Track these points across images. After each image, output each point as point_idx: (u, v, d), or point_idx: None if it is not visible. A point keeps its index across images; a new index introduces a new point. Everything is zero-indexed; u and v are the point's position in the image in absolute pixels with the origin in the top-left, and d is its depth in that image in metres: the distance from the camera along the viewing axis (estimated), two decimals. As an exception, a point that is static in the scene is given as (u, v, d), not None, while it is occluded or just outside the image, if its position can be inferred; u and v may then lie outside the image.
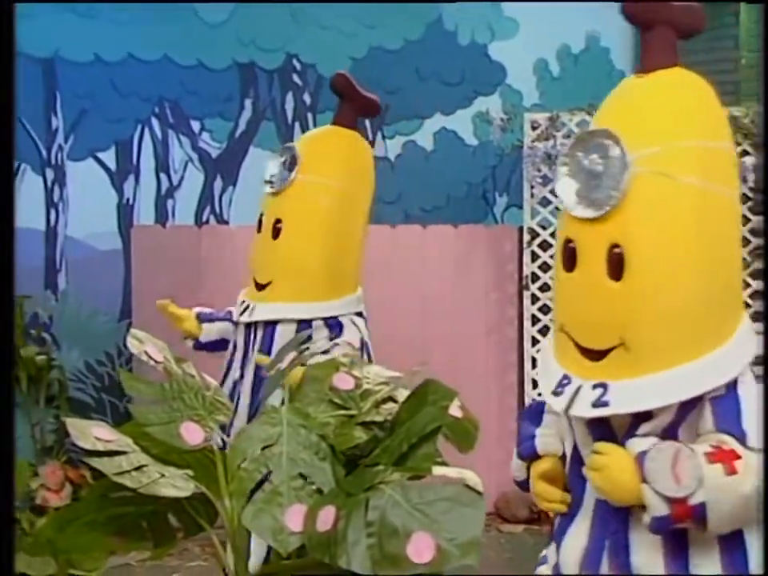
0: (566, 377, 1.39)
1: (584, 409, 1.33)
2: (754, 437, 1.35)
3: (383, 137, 4.41)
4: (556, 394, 1.38)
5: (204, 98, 4.10)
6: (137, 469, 1.10)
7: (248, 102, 4.20)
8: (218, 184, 4.15)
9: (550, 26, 4.47)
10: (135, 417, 1.14)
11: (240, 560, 1.12)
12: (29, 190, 3.80)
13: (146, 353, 1.27)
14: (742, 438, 1.34)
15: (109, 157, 3.96)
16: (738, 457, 1.30)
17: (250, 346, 2.31)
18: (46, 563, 2.99)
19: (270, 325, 2.30)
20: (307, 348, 1.49)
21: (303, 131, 4.30)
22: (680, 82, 1.42)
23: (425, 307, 3.89)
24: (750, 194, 3.31)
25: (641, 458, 1.30)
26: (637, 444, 1.33)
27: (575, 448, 1.42)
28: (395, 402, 1.12)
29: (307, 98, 4.29)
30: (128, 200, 4.01)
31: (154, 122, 4.03)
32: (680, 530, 1.34)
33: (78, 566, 3.10)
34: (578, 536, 1.37)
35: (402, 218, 4.15)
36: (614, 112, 1.42)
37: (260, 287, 2.34)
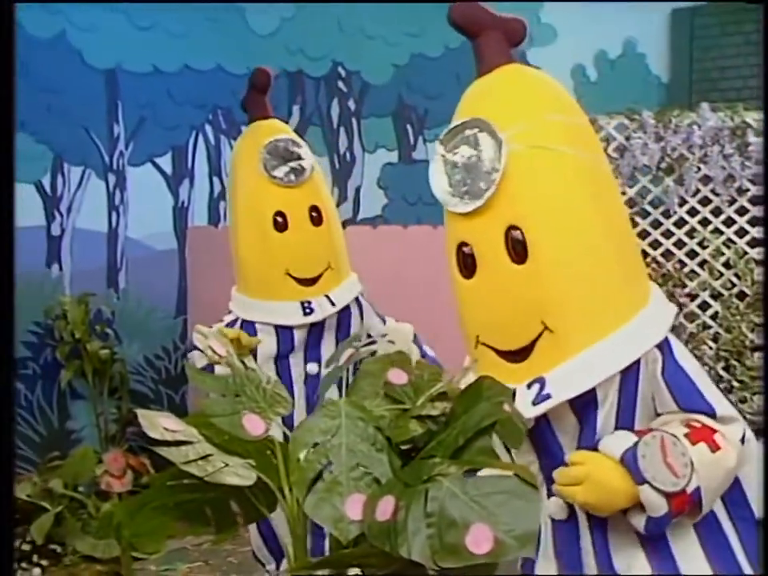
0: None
1: (527, 410, 1.19)
2: (721, 406, 1.26)
3: (424, 140, 4.40)
4: None
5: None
6: (203, 458, 1.11)
7: (296, 108, 4.22)
8: (267, 187, 4.17)
9: (587, 33, 4.42)
10: (202, 408, 1.14)
11: (299, 547, 1.12)
12: (92, 194, 3.87)
13: (210, 347, 1.28)
14: (711, 413, 1.25)
15: (165, 162, 4.02)
16: (715, 431, 1.22)
17: (319, 341, 2.16)
18: (109, 546, 3.06)
19: (344, 311, 2.17)
20: (362, 344, 1.45)
21: (348, 136, 4.32)
22: (525, 71, 1.36)
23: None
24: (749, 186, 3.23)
25: (628, 457, 1.17)
26: (613, 443, 1.21)
27: None
28: (448, 397, 1.11)
29: (352, 104, 4.30)
30: (183, 202, 4.06)
31: (208, 128, 4.07)
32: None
33: (141, 549, 3.15)
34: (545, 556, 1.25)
35: (443, 219, 4.13)
36: (470, 107, 1.33)
37: (309, 282, 2.16)
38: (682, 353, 1.30)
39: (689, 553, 1.24)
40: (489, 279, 1.27)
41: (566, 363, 1.21)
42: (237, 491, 1.16)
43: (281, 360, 2.16)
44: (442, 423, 1.07)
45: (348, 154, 4.31)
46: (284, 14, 4.16)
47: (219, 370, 1.42)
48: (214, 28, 4.03)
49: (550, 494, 1.25)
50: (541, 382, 1.21)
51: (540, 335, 1.23)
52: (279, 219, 2.14)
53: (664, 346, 1.27)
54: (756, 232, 3.27)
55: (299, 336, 2.16)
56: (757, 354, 3.31)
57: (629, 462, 1.17)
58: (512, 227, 1.24)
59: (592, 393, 1.22)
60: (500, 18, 1.35)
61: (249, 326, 2.16)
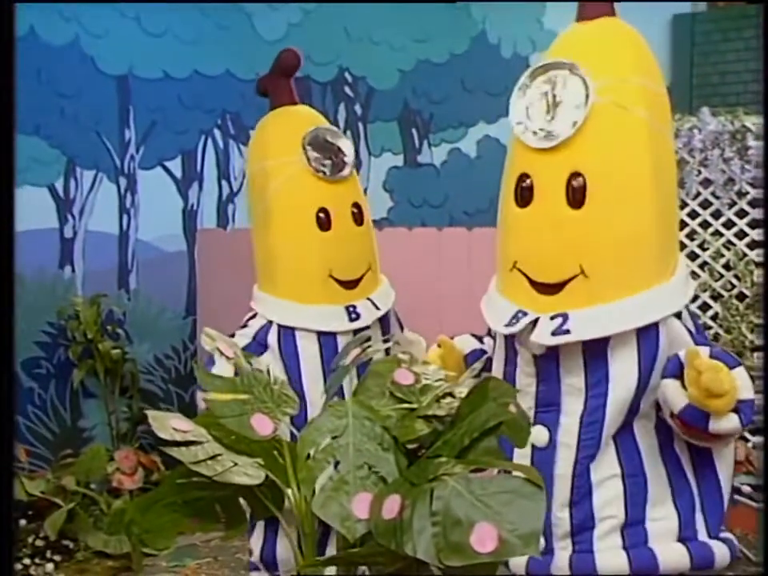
0: (520, 311, 1.31)
1: (544, 337, 1.26)
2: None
3: (429, 144, 4.39)
4: (510, 325, 1.30)
5: (263, 110, 4.12)
6: (212, 458, 1.11)
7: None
8: (275, 190, 4.17)
9: (589, 38, 4.41)
10: (211, 409, 1.14)
11: (308, 544, 1.12)
12: (104, 197, 3.87)
13: (217, 349, 1.28)
14: (736, 364, 1.28)
15: (175, 165, 4.02)
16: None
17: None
18: (120, 542, 3.06)
19: (384, 315, 2.00)
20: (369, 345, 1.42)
21: (354, 140, 4.32)
22: (622, 28, 1.41)
23: (470, 305, 3.86)
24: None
25: (716, 350, 1.26)
26: (693, 348, 1.26)
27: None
28: (454, 397, 1.11)
29: (358, 109, 4.30)
30: (192, 205, 4.06)
31: (217, 132, 4.07)
32: (637, 460, 1.29)
33: (151, 545, 3.15)
34: None
35: (448, 222, 4.13)
36: (565, 49, 1.37)
37: (351, 284, 1.96)
38: (690, 324, 1.35)
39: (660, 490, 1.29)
40: (542, 214, 1.31)
41: (592, 308, 1.26)
42: (246, 489, 1.16)
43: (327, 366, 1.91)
44: (448, 423, 1.06)
45: (354, 158, 4.31)
46: (291, 20, 4.16)
47: (221, 366, 1.37)
48: (222, 34, 4.03)
49: (536, 422, 1.30)
50: (564, 317, 1.26)
51: (574, 277, 1.28)
52: (322, 216, 1.94)
53: (682, 318, 1.32)
54: (756, 234, 3.26)
55: (344, 342, 1.89)
56: (756, 354, 3.29)
57: (718, 353, 1.24)
58: (575, 173, 1.28)
59: (606, 342, 1.26)
60: None
61: (287, 332, 1.94)
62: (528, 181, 1.32)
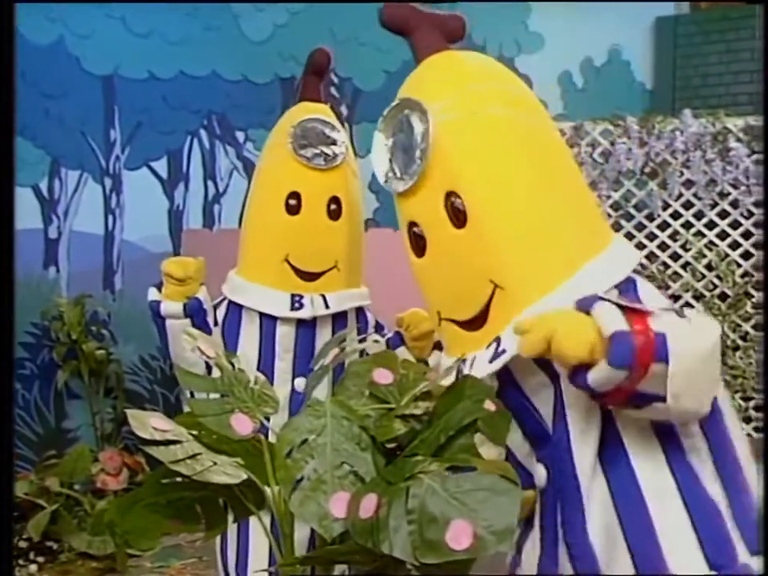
0: (462, 360, 1.21)
1: (483, 368, 1.15)
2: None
3: (415, 146, 4.41)
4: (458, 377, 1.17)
5: (248, 111, 4.13)
6: (191, 457, 1.10)
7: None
8: (261, 191, 4.17)
9: (573, 40, 4.44)
10: (192, 408, 1.14)
11: (287, 543, 1.12)
12: (89, 197, 3.86)
13: (198, 348, 1.27)
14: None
15: (161, 166, 4.01)
16: (684, 316, 1.08)
17: (314, 342, 1.90)
18: (104, 543, 3.05)
19: (340, 317, 1.93)
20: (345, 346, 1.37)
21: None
22: (454, 53, 1.32)
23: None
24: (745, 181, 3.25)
25: (581, 300, 1.08)
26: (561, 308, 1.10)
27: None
28: (432, 396, 1.11)
29: (344, 110, 4.30)
30: (178, 206, 4.05)
31: (203, 133, 4.07)
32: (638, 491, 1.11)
33: (135, 546, 3.15)
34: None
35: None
36: (403, 92, 1.30)
37: (308, 276, 1.90)
38: (647, 291, 1.22)
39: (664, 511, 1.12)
40: (437, 251, 1.25)
41: (518, 317, 1.14)
42: (226, 489, 1.16)
43: (264, 360, 1.91)
44: (425, 422, 1.07)
45: (340, 159, 4.31)
46: (277, 21, 4.16)
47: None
48: (208, 35, 4.03)
49: (537, 461, 1.19)
50: (497, 340, 1.18)
51: (492, 296, 1.20)
52: (292, 201, 1.88)
53: (627, 293, 1.19)
54: (737, 235, 3.29)
55: (282, 332, 1.90)
56: (738, 354, 3.32)
57: (582, 302, 1.07)
58: (450, 194, 1.22)
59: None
60: (434, 16, 1.32)
61: (234, 309, 1.94)
62: (417, 228, 1.26)
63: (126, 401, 3.70)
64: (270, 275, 1.91)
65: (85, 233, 3.84)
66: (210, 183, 4.10)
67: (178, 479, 1.13)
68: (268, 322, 1.91)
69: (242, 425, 1.13)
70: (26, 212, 3.65)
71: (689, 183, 3.32)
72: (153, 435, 1.11)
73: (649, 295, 1.21)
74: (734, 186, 3.26)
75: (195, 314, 1.87)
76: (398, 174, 1.26)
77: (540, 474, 1.19)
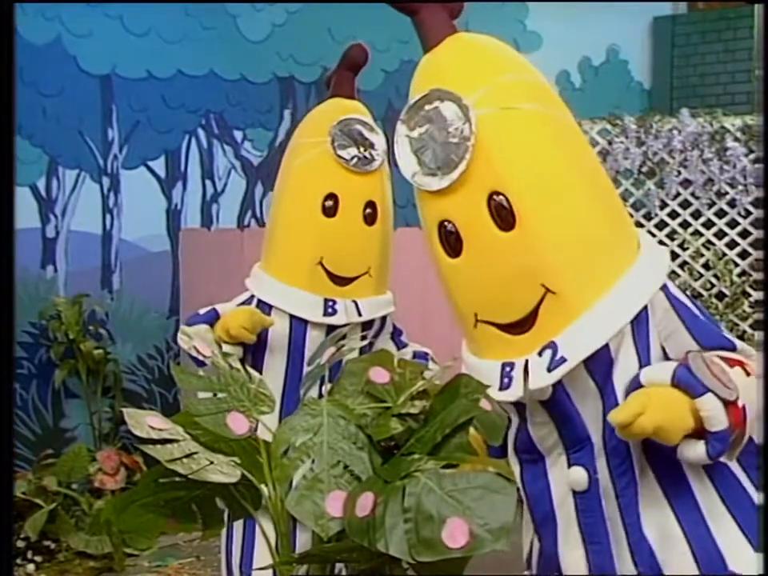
0: (506, 364, 1.16)
1: (543, 378, 1.12)
2: (739, 343, 1.18)
3: (413, 145, 4.40)
4: (505, 388, 1.14)
5: (246, 110, 4.13)
6: (187, 456, 1.10)
7: (287, 113, 4.22)
8: (258, 190, 4.17)
9: (571, 40, 4.44)
10: (187, 407, 1.14)
11: (284, 542, 1.12)
12: (87, 196, 3.86)
13: (194, 347, 1.27)
14: (732, 347, 1.17)
15: (159, 165, 4.01)
16: (743, 362, 1.12)
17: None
18: (102, 542, 3.05)
19: (367, 323, 1.87)
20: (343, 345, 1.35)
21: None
22: (472, 38, 1.27)
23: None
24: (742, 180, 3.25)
25: (681, 373, 1.07)
26: (657, 370, 1.12)
27: (529, 448, 1.18)
28: (429, 395, 1.11)
29: (342, 110, 4.31)
30: (176, 205, 4.05)
31: (201, 132, 4.07)
32: (688, 491, 1.14)
33: (133, 545, 3.15)
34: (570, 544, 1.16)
35: (431, 222, 4.14)
36: (425, 82, 1.23)
37: (341, 281, 1.84)
38: (679, 293, 1.23)
39: (714, 510, 1.16)
40: (478, 253, 1.18)
41: (575, 323, 1.13)
42: (222, 489, 1.16)
43: (293, 364, 1.85)
44: (421, 421, 1.07)
45: (338, 158, 4.31)
46: (275, 21, 4.16)
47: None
48: (206, 34, 4.02)
49: (570, 464, 1.17)
50: (553, 347, 1.13)
51: (542, 300, 1.14)
52: (329, 203, 1.83)
53: (665, 290, 1.20)
54: (734, 234, 3.29)
55: (312, 336, 1.83)
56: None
57: (683, 377, 1.07)
58: (494, 194, 1.16)
59: (606, 351, 1.15)
60: None
61: (264, 307, 1.87)
62: (450, 225, 1.19)
63: (124, 400, 3.70)
64: (303, 277, 1.85)
65: (82, 232, 3.84)
66: (207, 182, 4.10)
67: (175, 478, 1.13)
68: (298, 325, 1.84)
69: (239, 424, 1.13)
70: (24, 211, 3.65)
71: (686, 182, 3.32)
72: (149, 434, 1.11)
73: (683, 296, 1.23)
74: (732, 186, 3.26)
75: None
76: (431, 170, 1.20)
77: (579, 477, 1.17)
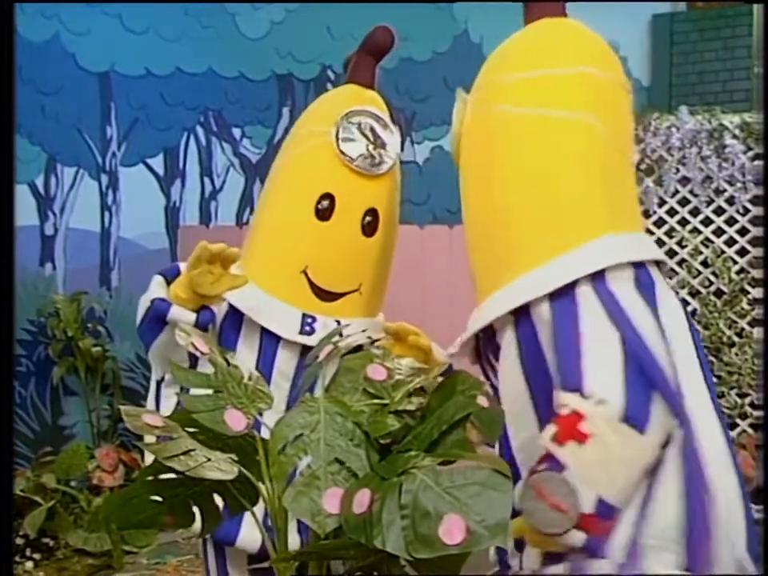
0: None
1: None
2: (595, 382, 1.05)
3: (412, 142, 4.40)
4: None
5: (245, 107, 4.13)
6: (185, 453, 1.10)
7: (285, 111, 4.22)
8: (257, 187, 4.17)
9: (570, 37, 4.43)
10: (184, 404, 1.14)
11: (281, 539, 1.12)
12: (85, 194, 3.86)
13: (192, 344, 1.27)
14: (575, 385, 1.06)
15: (157, 163, 4.00)
16: (580, 417, 1.02)
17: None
18: (101, 539, 3.05)
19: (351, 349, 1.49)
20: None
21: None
22: (545, 25, 1.37)
23: (452, 303, 3.88)
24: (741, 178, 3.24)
25: (522, 506, 1.05)
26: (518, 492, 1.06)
27: None
28: (426, 392, 1.11)
29: (341, 107, 4.30)
30: (175, 202, 4.05)
31: (199, 130, 4.06)
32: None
33: (132, 543, 3.15)
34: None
35: (430, 219, 4.14)
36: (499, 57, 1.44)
37: (326, 295, 1.57)
38: (587, 302, 1.13)
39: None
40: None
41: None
42: (220, 485, 1.16)
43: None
44: (418, 418, 1.07)
45: (337, 156, 4.31)
46: (274, 19, 4.15)
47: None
48: (205, 32, 4.02)
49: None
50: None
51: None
52: (324, 203, 1.55)
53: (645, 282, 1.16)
54: (733, 231, 3.29)
55: (282, 356, 1.55)
56: (734, 350, 3.32)
57: (523, 512, 1.05)
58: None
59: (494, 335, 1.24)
60: None
61: (235, 314, 1.57)
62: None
63: (123, 398, 3.70)
64: (282, 285, 1.56)
65: (81, 230, 3.84)
66: (206, 180, 4.10)
67: (171, 476, 1.13)
68: (269, 340, 1.55)
69: (236, 421, 1.13)
70: (23, 209, 3.65)
71: (685, 180, 3.32)
72: (147, 431, 1.11)
73: (665, 294, 1.21)
74: (730, 183, 3.25)
75: (205, 329, 1.51)
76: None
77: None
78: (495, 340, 1.26)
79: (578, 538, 1.03)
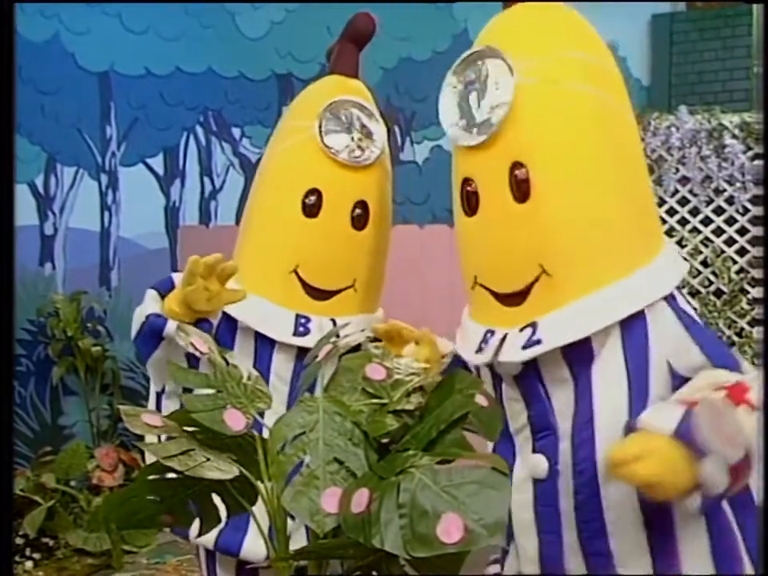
0: (489, 331, 1.17)
1: (515, 353, 1.12)
2: (744, 364, 1.12)
3: (412, 142, 4.40)
4: (480, 351, 1.16)
5: (245, 107, 4.13)
6: (184, 453, 1.10)
7: (285, 110, 4.23)
8: (257, 187, 4.18)
9: (569, 37, 4.43)
10: (184, 404, 1.14)
11: (280, 538, 1.12)
12: (85, 193, 3.86)
13: (191, 344, 1.27)
14: (738, 368, 1.11)
15: (157, 162, 4.01)
16: (747, 389, 1.05)
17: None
18: (100, 539, 3.05)
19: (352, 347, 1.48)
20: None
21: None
22: (549, 7, 1.24)
23: (452, 302, 3.88)
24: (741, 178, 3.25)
25: (684, 430, 0.98)
26: (660, 417, 1.02)
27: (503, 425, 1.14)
28: (425, 391, 1.11)
29: (341, 107, 4.31)
30: (174, 202, 4.05)
31: (199, 129, 4.07)
32: (666, 509, 1.10)
33: (132, 543, 3.15)
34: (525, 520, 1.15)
35: (430, 219, 4.14)
36: (488, 39, 1.22)
37: (319, 294, 1.53)
38: (687, 306, 1.19)
39: (691, 543, 1.12)
40: (489, 217, 1.16)
41: (560, 309, 1.11)
42: (219, 485, 1.16)
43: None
44: (417, 417, 1.07)
45: (337, 156, 4.31)
46: (274, 19, 4.16)
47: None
48: (205, 32, 4.03)
49: (534, 450, 1.17)
50: (533, 326, 1.12)
51: (537, 279, 1.13)
52: (312, 199, 1.52)
53: (672, 302, 1.16)
54: (732, 231, 3.29)
55: (279, 360, 1.52)
56: (733, 350, 3.33)
57: (686, 434, 0.98)
58: (517, 164, 1.13)
59: (587, 344, 1.12)
60: None
61: (228, 321, 1.53)
62: (473, 184, 1.18)
63: (122, 397, 3.70)
64: (273, 287, 1.53)
65: (81, 229, 3.84)
66: (206, 180, 4.10)
67: (172, 475, 1.13)
68: (264, 344, 1.52)
69: (235, 420, 1.13)
70: (22, 209, 3.65)
71: (684, 180, 3.32)
72: (144, 431, 1.11)
73: (691, 311, 1.19)
74: (730, 183, 3.26)
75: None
76: (465, 126, 1.17)
77: (540, 463, 1.16)
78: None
79: (723, 481, 0.99)
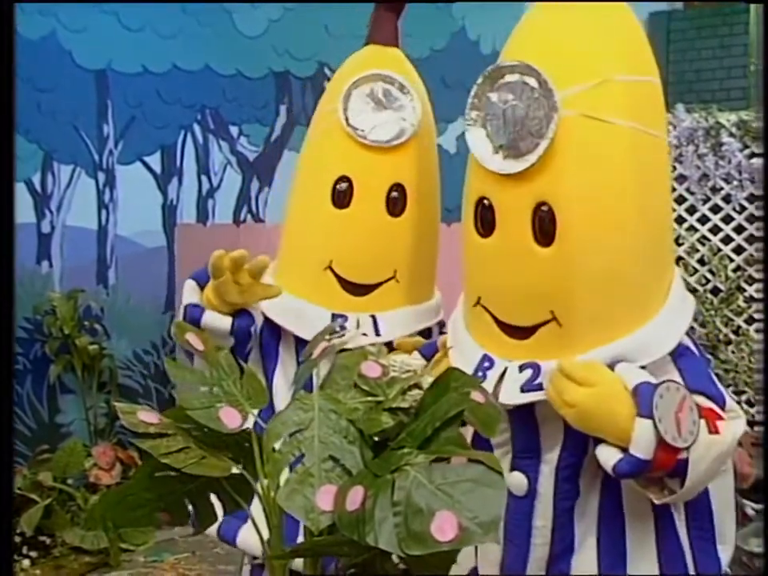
0: (486, 358, 1.14)
1: (513, 395, 1.09)
2: (729, 399, 1.12)
3: (409, 140, 4.41)
4: (475, 376, 1.15)
5: (242, 105, 4.13)
6: (180, 450, 1.10)
7: (283, 109, 4.22)
8: (254, 185, 4.17)
9: (567, 35, 4.44)
10: (180, 402, 1.14)
11: (275, 536, 1.12)
12: (82, 192, 3.85)
13: (188, 341, 1.27)
14: (720, 401, 1.10)
15: (155, 161, 4.00)
16: (720, 417, 1.06)
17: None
18: (98, 537, 3.05)
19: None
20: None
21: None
22: (604, 9, 1.10)
23: (452, 303, 3.88)
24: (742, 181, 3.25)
25: (644, 388, 1.00)
26: (632, 371, 1.04)
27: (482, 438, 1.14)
28: (420, 389, 1.11)
29: (338, 105, 4.30)
30: (172, 200, 4.05)
31: (196, 128, 4.06)
32: (618, 512, 1.13)
33: (129, 541, 3.15)
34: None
35: (427, 217, 4.15)
36: (530, 39, 1.10)
37: (357, 289, 1.45)
38: (686, 340, 1.19)
39: (641, 553, 1.15)
40: (504, 247, 1.10)
41: (566, 359, 1.08)
42: (215, 483, 1.16)
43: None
44: (412, 414, 1.07)
45: (334, 154, 4.31)
46: (271, 16, 4.15)
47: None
48: (202, 30, 4.02)
49: (512, 468, 1.19)
50: (535, 368, 1.09)
51: (545, 323, 1.09)
52: (342, 186, 1.42)
53: (683, 362, 1.16)
54: (729, 229, 3.29)
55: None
56: (730, 348, 3.33)
57: (644, 391, 1.00)
58: (541, 203, 1.05)
59: None
60: None
61: (270, 329, 1.47)
62: (487, 204, 1.11)
63: (120, 396, 3.70)
64: (308, 286, 1.44)
65: (78, 227, 3.84)
66: (203, 178, 4.10)
67: (169, 473, 1.13)
68: (303, 346, 1.38)
69: (231, 418, 1.13)
70: (19, 207, 3.64)
71: (681, 178, 3.32)
72: (139, 428, 1.11)
73: (693, 345, 1.20)
74: (727, 181, 3.26)
75: (242, 338, 1.40)
76: (493, 143, 1.07)
77: (519, 482, 1.18)
78: None
79: (646, 451, 1.00)
